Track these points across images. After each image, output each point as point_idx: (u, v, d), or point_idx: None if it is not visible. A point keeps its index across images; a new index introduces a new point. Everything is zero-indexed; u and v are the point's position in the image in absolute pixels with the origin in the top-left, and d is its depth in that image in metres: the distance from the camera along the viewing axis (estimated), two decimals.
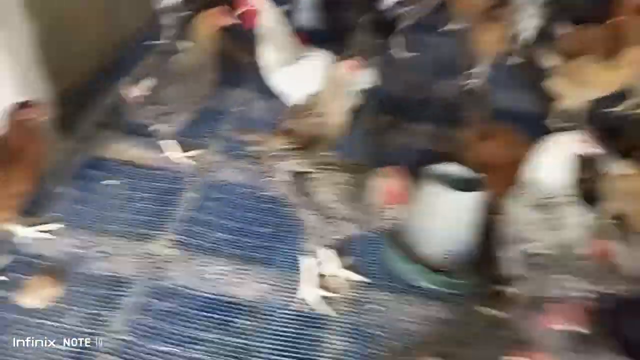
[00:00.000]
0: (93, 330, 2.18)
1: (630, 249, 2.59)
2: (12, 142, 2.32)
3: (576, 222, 2.13)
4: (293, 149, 2.34)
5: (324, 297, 2.40)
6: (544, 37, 4.26)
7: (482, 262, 2.54)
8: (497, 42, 3.92)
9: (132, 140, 3.13)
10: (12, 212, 2.39)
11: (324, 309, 2.36)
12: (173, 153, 3.04)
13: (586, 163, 2.61)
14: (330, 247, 2.46)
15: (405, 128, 3.56)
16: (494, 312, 2.39)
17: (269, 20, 3.07)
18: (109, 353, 2.09)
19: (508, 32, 4.03)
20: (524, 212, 2.14)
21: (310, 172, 2.18)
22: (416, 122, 3.64)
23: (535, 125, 3.43)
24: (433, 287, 2.50)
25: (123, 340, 2.15)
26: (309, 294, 2.39)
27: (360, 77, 2.68)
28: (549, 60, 3.67)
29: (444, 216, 2.46)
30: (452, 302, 2.47)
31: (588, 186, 2.91)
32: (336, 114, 2.61)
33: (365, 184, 2.03)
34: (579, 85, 3.53)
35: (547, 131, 2.78)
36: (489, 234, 2.62)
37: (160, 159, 3.05)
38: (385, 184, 1.95)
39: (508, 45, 4.15)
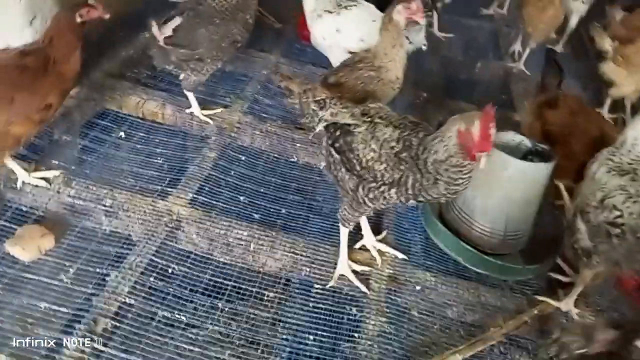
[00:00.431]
0: (90, 290, 1.88)
1: None
2: (53, 49, 2.04)
3: None
4: (338, 101, 2.02)
5: (358, 272, 2.11)
6: (596, 20, 3.99)
7: (543, 246, 2.26)
8: (549, 24, 3.66)
9: (151, 94, 2.82)
10: (31, 126, 2.07)
11: (358, 285, 2.06)
12: (197, 109, 2.74)
13: None
14: (367, 217, 2.17)
15: (446, 105, 3.26)
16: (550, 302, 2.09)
17: None
18: (106, 316, 1.79)
19: (560, 14, 3.74)
20: (609, 177, 1.84)
21: (356, 124, 1.87)
22: (457, 100, 3.35)
23: None
24: (484, 272, 2.19)
25: (124, 303, 1.84)
26: (346, 267, 2.09)
27: (421, 23, 2.41)
28: (603, 44, 3.37)
29: (509, 187, 2.15)
30: (500, 288, 2.18)
31: None
32: (393, 69, 2.33)
33: (413, 142, 1.74)
34: (634, 71, 3.24)
35: None
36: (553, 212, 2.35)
37: (179, 115, 2.75)
38: (469, 128, 1.57)
39: (559, 28, 3.90)
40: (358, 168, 1.84)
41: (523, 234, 2.27)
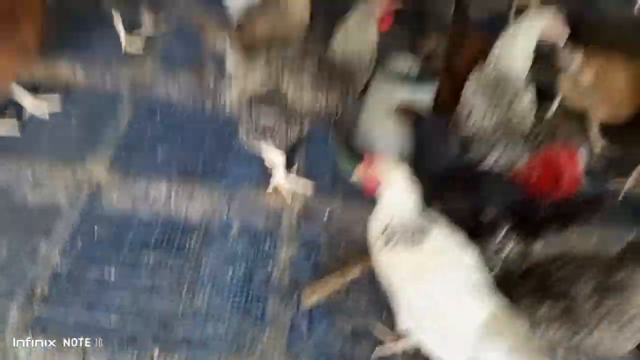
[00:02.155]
0: (23, 263, 2.07)
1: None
2: None
3: (526, 105, 2.05)
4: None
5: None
6: None
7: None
8: None
9: (65, 58, 2.85)
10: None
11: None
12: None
13: (548, 53, 2.50)
14: (284, 151, 2.34)
15: None
16: None
17: None
18: (41, 283, 2.01)
19: None
20: (478, 90, 2.04)
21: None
22: None
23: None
24: None
25: (56, 271, 2.06)
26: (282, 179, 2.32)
27: None
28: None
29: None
30: None
31: (547, 75, 2.81)
32: (297, 12, 2.39)
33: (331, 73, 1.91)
34: None
35: None
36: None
37: (92, 79, 2.80)
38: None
39: None
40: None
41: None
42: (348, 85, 2.09)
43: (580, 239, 2.28)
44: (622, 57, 2.54)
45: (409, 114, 2.03)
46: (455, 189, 1.83)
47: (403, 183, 1.62)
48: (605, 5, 3.57)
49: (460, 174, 1.92)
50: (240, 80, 2.12)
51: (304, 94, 2.01)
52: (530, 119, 2.00)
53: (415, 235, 1.56)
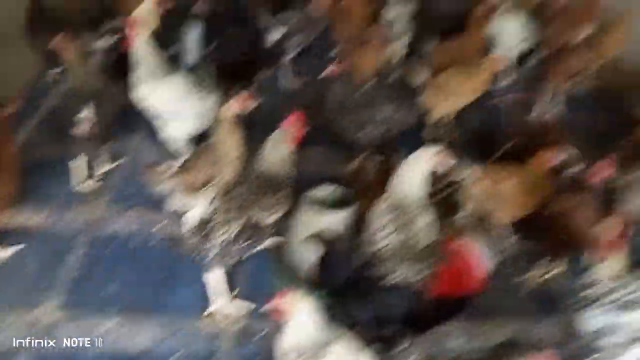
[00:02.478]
0: None
1: (489, 244, 2.90)
2: None
3: (425, 226, 2.39)
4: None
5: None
6: (414, 52, 4.62)
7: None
8: (373, 61, 4.18)
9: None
10: None
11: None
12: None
13: (441, 175, 2.93)
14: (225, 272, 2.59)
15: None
16: None
17: (142, 47, 3.18)
18: None
19: (382, 51, 4.30)
20: (381, 216, 2.39)
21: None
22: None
23: (416, 138, 3.79)
24: None
25: None
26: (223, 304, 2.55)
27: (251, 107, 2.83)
28: (420, 75, 3.98)
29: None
30: None
31: (446, 194, 3.24)
32: (233, 151, 2.76)
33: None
34: (446, 97, 3.85)
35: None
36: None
37: (46, 221, 3.07)
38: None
39: (383, 64, 4.47)
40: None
41: None
42: (273, 201, 2.48)
43: (493, 332, 2.55)
44: (515, 164, 2.99)
45: (325, 239, 2.34)
46: (360, 301, 2.11)
47: (306, 313, 1.89)
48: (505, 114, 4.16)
49: (365, 288, 2.20)
50: (187, 215, 2.48)
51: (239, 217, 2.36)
52: (430, 237, 2.33)
53: (319, 352, 1.81)
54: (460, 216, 3.15)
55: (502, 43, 4.64)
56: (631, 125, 3.43)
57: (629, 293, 2.13)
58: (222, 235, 2.38)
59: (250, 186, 2.47)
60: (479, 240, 2.87)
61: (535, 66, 4.85)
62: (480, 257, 2.64)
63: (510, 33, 4.63)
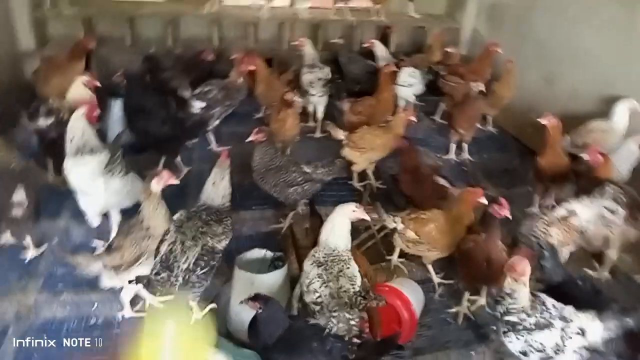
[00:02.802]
0: None
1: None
2: None
3: (354, 275, 2.55)
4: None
5: None
6: (334, 112, 4.98)
7: None
8: (293, 123, 4.45)
9: None
10: None
11: None
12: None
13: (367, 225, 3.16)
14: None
15: None
16: None
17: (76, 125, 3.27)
18: None
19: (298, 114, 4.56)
20: (311, 269, 2.54)
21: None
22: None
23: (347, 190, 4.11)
24: None
25: None
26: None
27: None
28: (338, 133, 4.28)
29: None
30: None
31: (373, 242, 3.49)
32: (160, 225, 2.81)
33: None
34: (363, 152, 4.16)
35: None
36: None
37: None
38: None
39: (303, 125, 4.77)
40: None
41: None
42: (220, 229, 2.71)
43: None
44: (434, 208, 3.28)
45: (258, 301, 2.43)
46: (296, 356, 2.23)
47: None
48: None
49: (300, 341, 2.30)
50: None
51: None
52: (357, 285, 2.51)
53: None
54: (389, 261, 3.39)
55: (409, 98, 5.16)
56: (530, 161, 3.87)
57: (539, 315, 2.39)
58: (184, 263, 2.54)
59: (199, 218, 2.70)
60: (408, 282, 3.12)
61: (442, 117, 5.39)
62: (410, 298, 2.86)
63: (415, 89, 5.16)
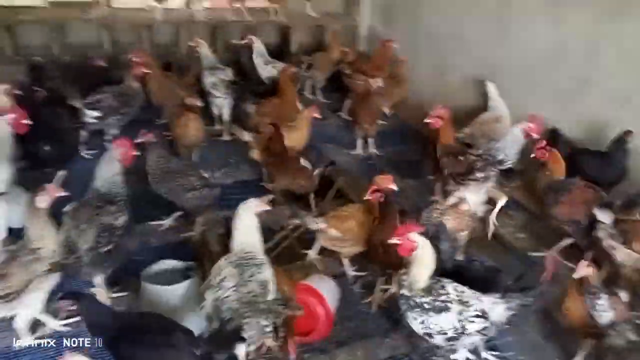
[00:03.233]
0: None
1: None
2: None
3: (265, 276, 2.50)
4: None
5: None
6: (239, 114, 4.92)
7: None
8: (197, 128, 4.32)
9: None
10: None
11: None
12: None
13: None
14: None
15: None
16: None
17: None
18: None
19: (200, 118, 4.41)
20: (225, 269, 2.47)
21: None
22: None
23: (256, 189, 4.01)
24: None
25: None
26: None
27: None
28: (244, 135, 4.23)
29: (162, 310, 2.59)
30: None
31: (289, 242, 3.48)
32: (50, 244, 2.62)
33: None
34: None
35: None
36: None
37: None
38: None
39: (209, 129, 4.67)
40: None
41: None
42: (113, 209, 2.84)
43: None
44: (356, 207, 3.32)
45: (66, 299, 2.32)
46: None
47: None
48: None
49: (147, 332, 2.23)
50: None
51: None
52: (270, 291, 2.46)
53: None
54: (306, 259, 3.40)
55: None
56: (433, 152, 4.03)
57: (436, 297, 2.48)
58: (84, 244, 2.66)
59: (90, 205, 2.80)
60: (322, 279, 3.13)
61: (346, 112, 5.50)
62: (324, 294, 2.89)
63: (316, 88, 5.23)
